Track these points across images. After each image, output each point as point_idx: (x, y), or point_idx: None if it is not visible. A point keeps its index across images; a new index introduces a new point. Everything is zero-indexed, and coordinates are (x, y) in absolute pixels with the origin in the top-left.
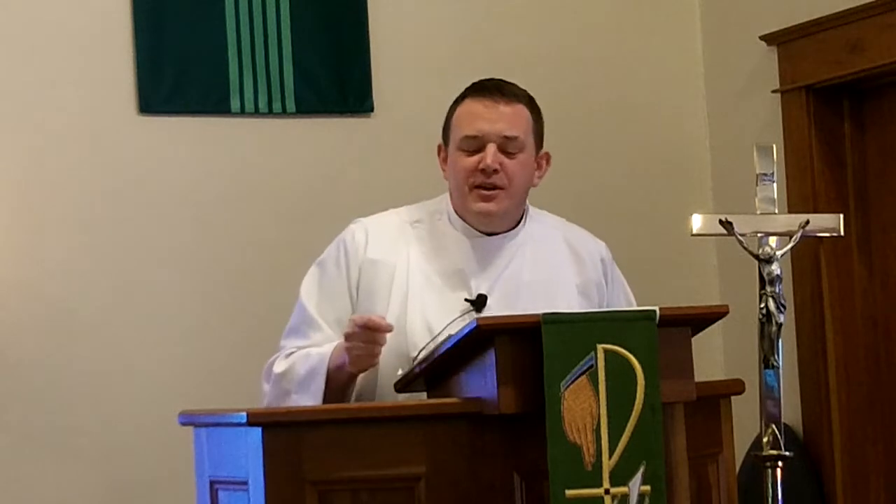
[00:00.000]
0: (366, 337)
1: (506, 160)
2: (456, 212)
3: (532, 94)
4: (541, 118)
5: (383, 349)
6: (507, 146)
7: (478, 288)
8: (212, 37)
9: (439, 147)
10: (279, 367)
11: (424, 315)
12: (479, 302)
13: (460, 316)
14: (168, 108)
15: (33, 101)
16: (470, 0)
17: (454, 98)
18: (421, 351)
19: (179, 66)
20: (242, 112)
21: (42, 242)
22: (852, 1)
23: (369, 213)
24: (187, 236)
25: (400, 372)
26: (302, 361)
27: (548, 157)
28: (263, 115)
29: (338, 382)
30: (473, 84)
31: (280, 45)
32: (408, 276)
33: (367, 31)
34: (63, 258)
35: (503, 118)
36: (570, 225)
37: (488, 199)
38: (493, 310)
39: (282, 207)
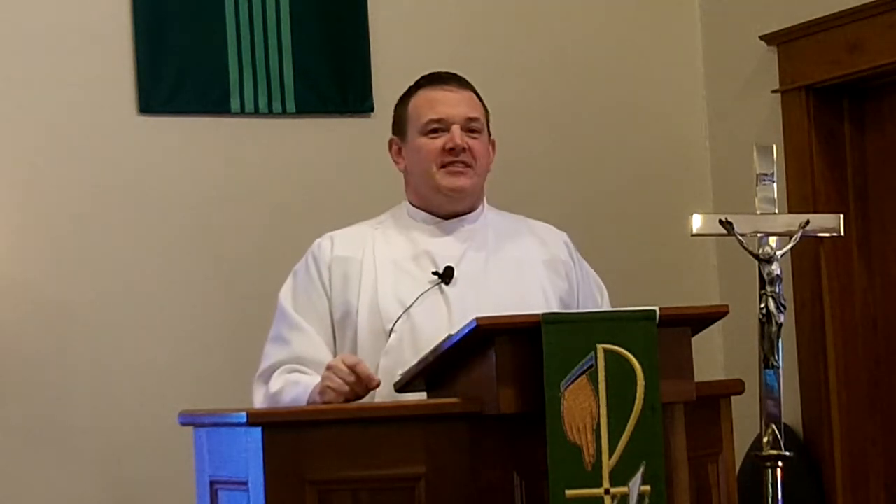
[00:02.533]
0: (344, 376)
1: (470, 140)
2: (415, 203)
3: (531, 94)
4: (487, 109)
5: (361, 329)
6: (469, 125)
7: (445, 263)
8: (212, 37)
9: (391, 142)
10: (274, 385)
11: (396, 292)
12: (446, 274)
13: (430, 288)
14: (168, 108)
15: (33, 100)
16: (470, 0)
17: None
18: (395, 322)
19: (179, 66)
20: (242, 112)
21: (42, 242)
22: (852, 1)
23: (368, 213)
24: (187, 236)
25: (400, 372)
26: (290, 388)
27: (494, 144)
28: (263, 115)
29: None
30: (424, 77)
31: (280, 45)
32: (375, 264)
33: (367, 31)
34: (63, 257)
35: (463, 101)
36: (529, 219)
37: (458, 175)
38: (461, 285)
39: (281, 207)
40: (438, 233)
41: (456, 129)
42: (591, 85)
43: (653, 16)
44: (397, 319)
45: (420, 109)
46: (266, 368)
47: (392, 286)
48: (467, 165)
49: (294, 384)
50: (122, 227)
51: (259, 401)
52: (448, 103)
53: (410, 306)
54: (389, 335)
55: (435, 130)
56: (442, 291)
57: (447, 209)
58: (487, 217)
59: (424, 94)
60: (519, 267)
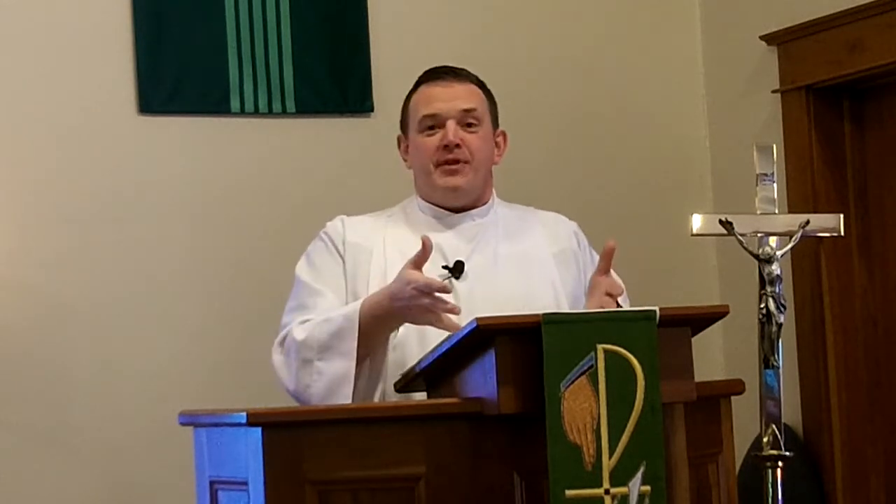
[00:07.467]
0: (425, 296)
1: (466, 135)
2: (423, 198)
3: (531, 94)
4: (494, 100)
5: None
6: (465, 119)
7: (454, 258)
8: (212, 37)
9: (399, 139)
10: (299, 335)
11: None
12: (456, 269)
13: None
14: (168, 108)
15: (33, 100)
16: (470, 1)
17: None
18: None
19: (179, 66)
20: (242, 112)
21: (42, 241)
22: (852, 1)
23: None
24: (187, 236)
25: (399, 372)
26: (322, 327)
27: (504, 135)
28: (263, 115)
29: (374, 334)
30: (425, 72)
31: (280, 45)
32: (385, 255)
33: (367, 31)
34: (63, 257)
35: (458, 95)
36: (539, 210)
37: (454, 173)
38: (471, 280)
39: (282, 207)
40: (447, 227)
41: (451, 124)
42: (590, 85)
43: (653, 16)
44: None
45: (417, 106)
46: (286, 333)
47: None
48: (463, 161)
49: (325, 322)
50: (121, 227)
51: (279, 362)
52: (442, 98)
53: None
54: (396, 331)
55: (431, 127)
56: (451, 286)
57: (450, 206)
58: (497, 210)
59: (422, 91)
60: (528, 261)
